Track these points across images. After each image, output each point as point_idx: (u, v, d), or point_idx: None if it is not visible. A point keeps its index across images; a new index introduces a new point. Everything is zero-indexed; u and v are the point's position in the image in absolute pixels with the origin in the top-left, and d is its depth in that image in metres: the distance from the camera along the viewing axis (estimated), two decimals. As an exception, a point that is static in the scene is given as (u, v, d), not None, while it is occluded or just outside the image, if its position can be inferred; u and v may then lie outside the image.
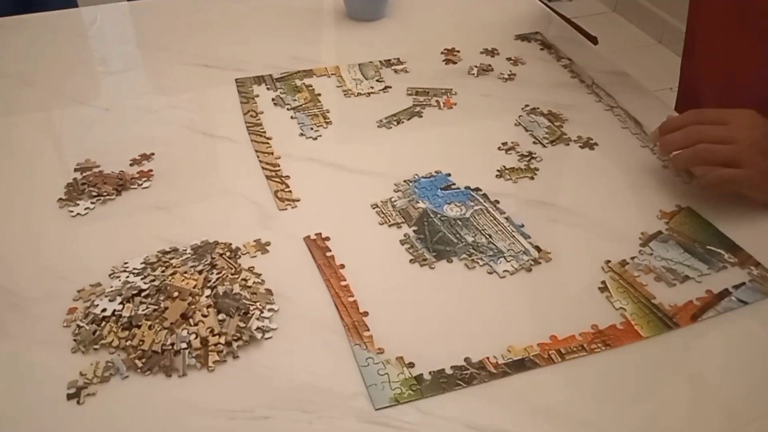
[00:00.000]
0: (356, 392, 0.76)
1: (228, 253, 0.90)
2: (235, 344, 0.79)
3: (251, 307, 0.83)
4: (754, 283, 0.88)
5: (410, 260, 0.91)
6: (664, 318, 0.84)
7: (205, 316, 0.81)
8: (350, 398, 0.75)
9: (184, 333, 0.80)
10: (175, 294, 0.83)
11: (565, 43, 1.38)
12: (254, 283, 0.86)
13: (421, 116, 1.18)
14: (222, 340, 0.79)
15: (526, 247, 0.93)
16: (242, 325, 0.81)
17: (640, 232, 0.95)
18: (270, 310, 0.83)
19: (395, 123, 1.16)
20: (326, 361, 0.79)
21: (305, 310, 0.84)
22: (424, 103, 1.20)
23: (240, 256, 0.90)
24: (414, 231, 0.95)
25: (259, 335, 0.80)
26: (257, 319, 0.82)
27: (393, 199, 1.00)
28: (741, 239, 0.94)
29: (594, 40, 1.43)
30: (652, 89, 1.26)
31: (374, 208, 0.98)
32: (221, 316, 0.81)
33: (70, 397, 0.74)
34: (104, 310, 0.82)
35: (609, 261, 0.91)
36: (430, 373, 0.77)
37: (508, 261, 0.91)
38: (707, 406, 0.75)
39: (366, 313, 0.83)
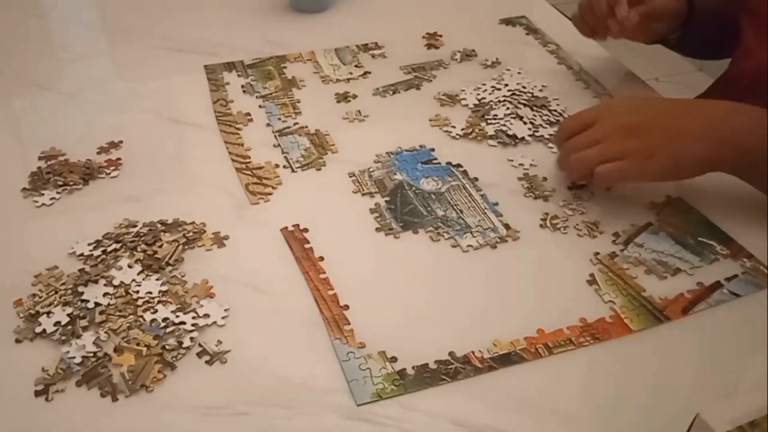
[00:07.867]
0: (337, 388, 0.77)
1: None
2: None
3: (182, 326, 0.82)
4: (747, 275, 0.90)
5: (376, 228, 0.95)
6: (655, 311, 0.85)
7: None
8: (331, 394, 0.76)
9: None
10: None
11: (552, 28, 1.39)
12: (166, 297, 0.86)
13: (419, 89, 1.21)
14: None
15: (495, 224, 0.96)
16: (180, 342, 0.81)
17: (629, 224, 0.96)
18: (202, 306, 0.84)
19: (391, 92, 1.20)
20: (306, 356, 0.80)
21: (283, 304, 0.85)
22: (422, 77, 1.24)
23: (194, 248, 0.91)
24: (386, 201, 0.99)
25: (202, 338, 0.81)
26: (192, 326, 0.82)
27: (371, 170, 1.03)
28: (733, 231, 0.95)
29: None
30: (642, 77, 1.28)
31: (351, 177, 1.03)
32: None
33: (38, 393, 0.75)
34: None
35: (597, 253, 0.92)
36: (413, 367, 0.78)
37: (474, 237, 0.94)
38: (699, 402, 0.76)
39: (346, 307, 0.85)
